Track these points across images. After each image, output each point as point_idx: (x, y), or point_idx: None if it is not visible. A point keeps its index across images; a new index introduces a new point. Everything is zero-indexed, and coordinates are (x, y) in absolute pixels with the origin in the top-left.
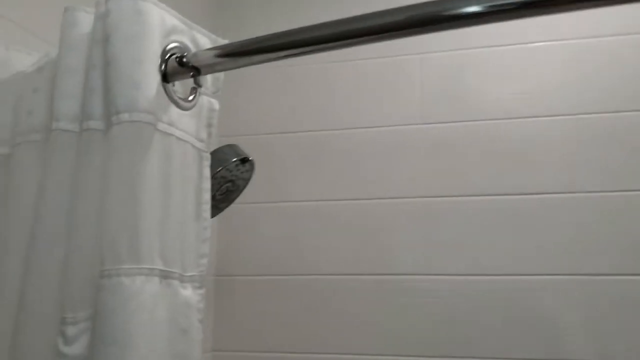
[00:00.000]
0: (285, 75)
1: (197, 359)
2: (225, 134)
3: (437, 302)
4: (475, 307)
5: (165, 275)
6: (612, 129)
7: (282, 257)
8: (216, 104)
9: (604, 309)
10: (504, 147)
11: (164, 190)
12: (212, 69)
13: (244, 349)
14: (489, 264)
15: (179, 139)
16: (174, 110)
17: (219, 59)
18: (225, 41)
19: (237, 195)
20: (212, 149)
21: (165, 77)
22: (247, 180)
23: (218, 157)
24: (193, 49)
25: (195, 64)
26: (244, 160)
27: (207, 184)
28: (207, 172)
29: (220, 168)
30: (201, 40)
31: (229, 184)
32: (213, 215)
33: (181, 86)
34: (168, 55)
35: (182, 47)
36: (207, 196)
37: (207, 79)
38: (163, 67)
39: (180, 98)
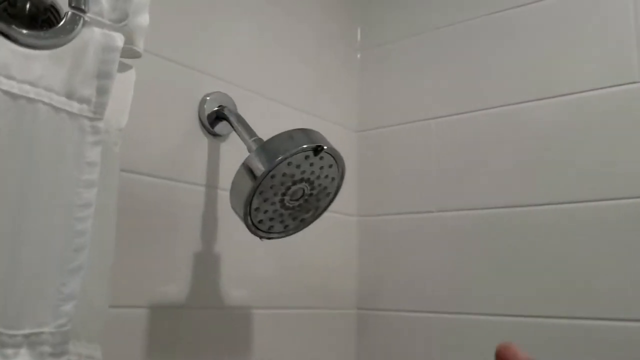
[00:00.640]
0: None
1: None
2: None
3: None
4: None
5: None
6: None
7: (441, 289)
8: (118, 39)
9: None
10: None
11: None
12: None
13: None
14: None
15: (32, 100)
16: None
17: None
18: None
19: (327, 203)
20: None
21: None
22: (335, 181)
23: (276, 147)
24: None
25: None
26: (317, 151)
27: (91, 173)
28: (94, 154)
29: (279, 160)
30: None
31: (304, 186)
32: (290, 230)
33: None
34: None
35: None
36: (88, 195)
37: None
38: None
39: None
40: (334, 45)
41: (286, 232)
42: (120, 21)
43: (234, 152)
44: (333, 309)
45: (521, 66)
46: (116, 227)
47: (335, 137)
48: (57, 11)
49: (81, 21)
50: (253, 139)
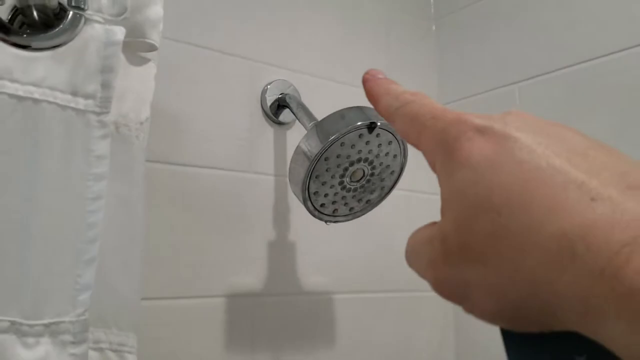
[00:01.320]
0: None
1: None
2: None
3: None
4: None
5: None
6: None
7: None
8: (118, 33)
9: None
10: None
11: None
12: None
13: None
14: None
15: (37, 101)
16: (22, 57)
17: None
18: None
19: (393, 182)
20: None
21: None
22: (398, 158)
23: (326, 128)
24: None
25: None
26: (372, 128)
27: (100, 166)
28: (102, 148)
29: (329, 141)
30: None
31: (363, 166)
32: (357, 212)
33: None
34: None
35: None
36: (98, 188)
37: None
38: None
39: (30, 35)
40: (407, 19)
41: (352, 214)
42: (120, 15)
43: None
44: (423, 291)
45: (612, 11)
46: (188, 221)
47: None
48: (65, 11)
49: (82, 19)
50: (312, 123)
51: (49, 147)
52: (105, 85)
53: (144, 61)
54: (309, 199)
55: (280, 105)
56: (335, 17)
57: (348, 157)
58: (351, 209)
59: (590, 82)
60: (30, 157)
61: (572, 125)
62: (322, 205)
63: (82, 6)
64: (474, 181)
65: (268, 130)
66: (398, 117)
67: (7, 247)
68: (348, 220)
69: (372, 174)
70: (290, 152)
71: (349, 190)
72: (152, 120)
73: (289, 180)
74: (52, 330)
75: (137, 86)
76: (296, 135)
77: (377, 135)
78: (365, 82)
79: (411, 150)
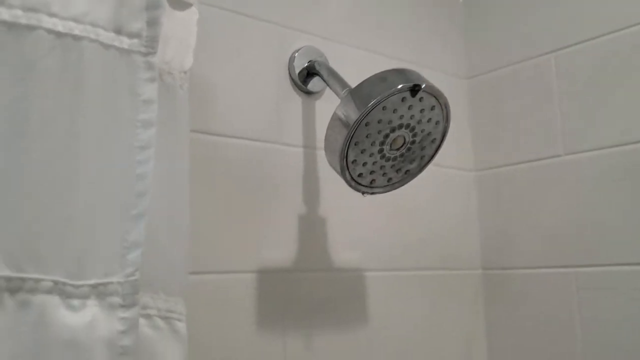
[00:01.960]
0: None
1: None
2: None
3: None
4: None
5: (11, 288)
6: None
7: (578, 239)
8: None
9: None
10: None
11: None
12: None
13: None
14: None
15: (78, 37)
16: None
17: None
18: None
19: (433, 150)
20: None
21: None
22: (440, 124)
23: (367, 91)
24: None
25: None
26: (415, 91)
27: (148, 112)
28: (149, 91)
29: (371, 104)
30: None
31: (404, 133)
32: (395, 184)
33: None
34: None
35: None
36: (147, 135)
37: None
38: None
39: None
40: None
41: (390, 185)
42: None
43: (330, 109)
44: (455, 269)
45: None
46: (215, 193)
47: (443, 86)
48: None
49: None
50: (345, 90)
51: (91, 90)
52: (152, 23)
53: (186, 5)
54: (346, 167)
55: (310, 73)
56: None
57: (389, 122)
58: (389, 179)
59: (628, 50)
60: (71, 101)
61: (611, 93)
62: (360, 175)
63: None
64: None
65: (296, 100)
66: None
67: (48, 199)
68: (385, 191)
69: (412, 142)
70: (319, 123)
71: (388, 159)
72: None
73: (325, 148)
74: (99, 292)
75: (180, 32)
76: (325, 105)
77: (420, 99)
78: None
79: None
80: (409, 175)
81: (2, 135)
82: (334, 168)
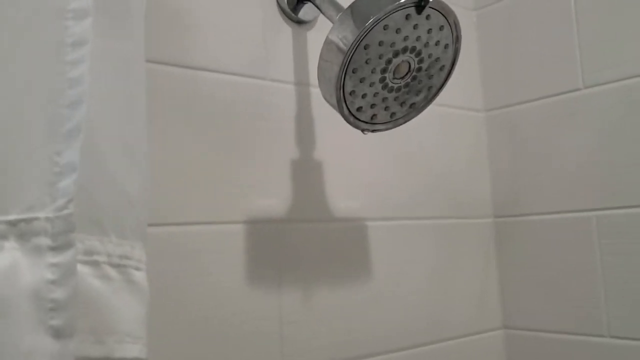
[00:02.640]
0: None
1: None
2: None
3: None
4: None
5: None
6: None
7: (595, 181)
8: None
9: None
10: None
11: None
12: None
13: (543, 324)
14: None
15: None
16: None
17: None
18: None
19: (443, 80)
20: None
21: None
22: (449, 48)
23: (366, 7)
24: None
25: None
26: (421, 6)
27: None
28: None
29: (371, 22)
30: None
31: (409, 58)
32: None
33: None
34: None
35: None
36: (80, 28)
37: None
38: None
39: None
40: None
41: (394, 121)
42: None
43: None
44: (465, 217)
45: None
46: (196, 135)
47: None
48: None
49: None
50: (341, 13)
51: None
52: None
53: None
54: (343, 99)
55: None
56: None
57: (392, 44)
58: (392, 114)
59: None
60: None
61: (636, 17)
62: (359, 109)
63: None
64: None
65: (285, 30)
66: None
67: None
68: (388, 128)
69: (419, 69)
70: (312, 57)
71: (391, 90)
72: (153, 13)
73: (319, 79)
74: (20, 231)
75: None
76: (318, 36)
77: (427, 17)
78: None
79: None
80: (415, 110)
81: None
82: (329, 102)
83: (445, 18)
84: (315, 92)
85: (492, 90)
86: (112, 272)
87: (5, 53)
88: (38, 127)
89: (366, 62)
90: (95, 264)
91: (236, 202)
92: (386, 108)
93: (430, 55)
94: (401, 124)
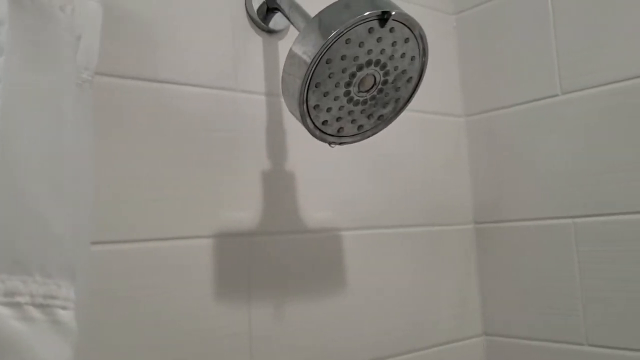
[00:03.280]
0: None
1: None
2: None
3: None
4: None
5: None
6: None
7: (574, 188)
8: None
9: None
10: None
11: None
12: None
13: (523, 331)
14: None
15: None
16: None
17: None
18: None
19: (410, 92)
20: None
21: None
22: (416, 60)
23: (328, 21)
24: None
25: None
26: (384, 19)
27: None
28: None
29: (331, 37)
30: None
31: (374, 71)
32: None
33: None
34: None
35: None
36: None
37: None
38: None
39: None
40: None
41: (361, 133)
42: None
43: None
44: (445, 225)
45: None
46: (164, 150)
47: (428, 22)
48: None
49: None
50: (304, 25)
51: None
52: None
53: None
54: (307, 114)
55: (270, 8)
56: None
57: (355, 58)
58: (360, 126)
59: None
60: None
61: (611, 25)
62: (325, 122)
63: None
64: None
65: (256, 40)
66: None
67: None
68: (356, 141)
69: (384, 82)
70: (283, 66)
71: (357, 103)
72: (118, 26)
73: (283, 93)
74: None
75: None
76: (289, 45)
77: (391, 29)
78: None
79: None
80: (383, 122)
81: None
82: (294, 115)
83: (411, 30)
84: None
85: (472, 95)
86: (36, 313)
87: None
88: None
89: (329, 77)
90: (16, 305)
91: (205, 216)
92: (353, 121)
93: (396, 68)
94: (369, 136)
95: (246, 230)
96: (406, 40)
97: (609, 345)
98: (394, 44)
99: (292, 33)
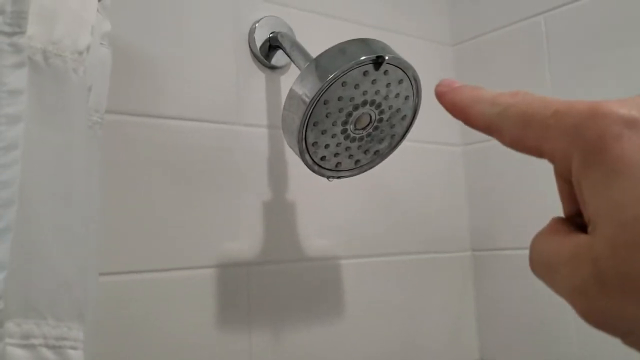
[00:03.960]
0: None
1: None
2: None
3: None
4: None
5: None
6: None
7: None
8: None
9: None
10: None
11: None
12: None
13: (519, 358)
14: None
15: None
16: None
17: None
18: None
19: (405, 129)
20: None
21: None
22: (409, 99)
23: (324, 65)
24: None
25: None
26: (378, 63)
27: (15, 105)
28: (16, 80)
29: (327, 81)
30: None
31: (370, 110)
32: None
33: None
34: None
35: None
36: (12, 133)
37: None
38: None
39: None
40: None
41: (358, 168)
42: None
43: None
44: (443, 252)
45: None
46: (169, 183)
47: (426, 53)
48: None
49: None
50: (305, 66)
51: None
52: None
53: None
54: (306, 150)
55: (272, 45)
56: None
57: (351, 99)
58: (357, 161)
59: (625, 9)
60: None
61: (610, 58)
62: (323, 158)
63: None
64: (637, 195)
65: (258, 76)
66: (504, 122)
67: None
68: (353, 175)
69: (380, 120)
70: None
71: (353, 140)
72: (122, 64)
73: (283, 130)
74: None
75: (73, 4)
76: (291, 80)
77: (385, 72)
78: (441, 96)
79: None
80: (379, 156)
81: None
82: (294, 151)
83: (404, 72)
84: None
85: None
86: (48, 354)
87: None
88: None
89: (326, 116)
90: (31, 347)
91: (206, 247)
92: (350, 156)
93: (390, 107)
94: (366, 170)
95: (246, 260)
96: (400, 82)
97: None
98: (388, 85)
99: (294, 69)
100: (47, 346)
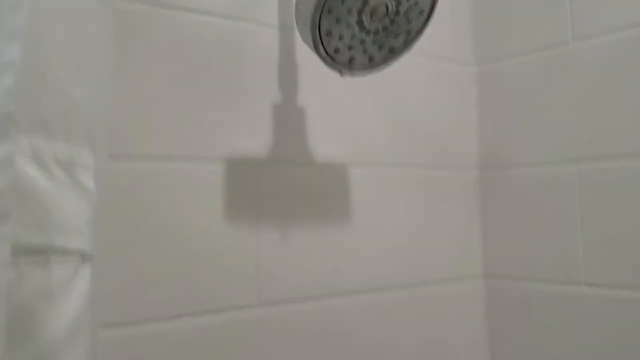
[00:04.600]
0: None
1: None
2: None
3: None
4: None
5: None
6: None
7: (585, 133)
8: None
9: None
10: None
11: None
12: None
13: (522, 271)
14: None
15: None
16: None
17: None
18: None
19: (421, 24)
20: None
21: None
22: None
23: None
24: None
25: None
26: None
27: None
28: None
29: None
30: None
31: (387, 0)
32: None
33: None
34: None
35: None
36: None
37: None
38: None
39: None
40: None
41: (372, 65)
42: None
43: None
44: (450, 168)
45: None
46: (177, 75)
47: None
48: None
49: None
50: None
51: None
52: None
53: None
54: (320, 41)
55: None
56: None
57: None
58: (371, 58)
59: None
60: None
61: None
62: (337, 50)
63: None
64: None
65: None
66: None
67: None
68: (366, 73)
69: (397, 12)
70: None
71: (368, 33)
72: None
73: (296, 19)
74: None
75: None
76: None
77: None
78: None
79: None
80: (394, 54)
81: None
82: (307, 42)
83: None
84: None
85: (483, 43)
86: (58, 171)
87: None
88: None
89: (342, 2)
90: (41, 163)
91: (216, 140)
92: (364, 51)
93: (409, 2)
94: (381, 69)
95: (256, 158)
96: None
97: (606, 284)
98: None
99: None
100: (57, 163)
